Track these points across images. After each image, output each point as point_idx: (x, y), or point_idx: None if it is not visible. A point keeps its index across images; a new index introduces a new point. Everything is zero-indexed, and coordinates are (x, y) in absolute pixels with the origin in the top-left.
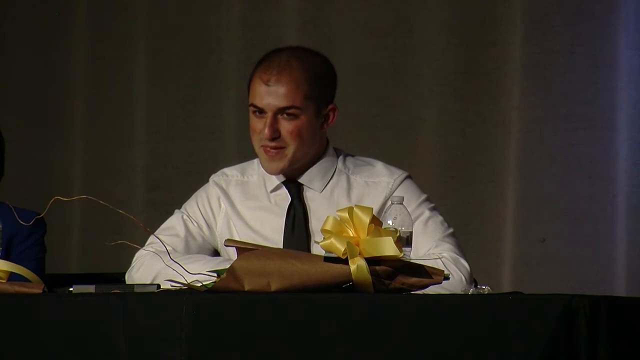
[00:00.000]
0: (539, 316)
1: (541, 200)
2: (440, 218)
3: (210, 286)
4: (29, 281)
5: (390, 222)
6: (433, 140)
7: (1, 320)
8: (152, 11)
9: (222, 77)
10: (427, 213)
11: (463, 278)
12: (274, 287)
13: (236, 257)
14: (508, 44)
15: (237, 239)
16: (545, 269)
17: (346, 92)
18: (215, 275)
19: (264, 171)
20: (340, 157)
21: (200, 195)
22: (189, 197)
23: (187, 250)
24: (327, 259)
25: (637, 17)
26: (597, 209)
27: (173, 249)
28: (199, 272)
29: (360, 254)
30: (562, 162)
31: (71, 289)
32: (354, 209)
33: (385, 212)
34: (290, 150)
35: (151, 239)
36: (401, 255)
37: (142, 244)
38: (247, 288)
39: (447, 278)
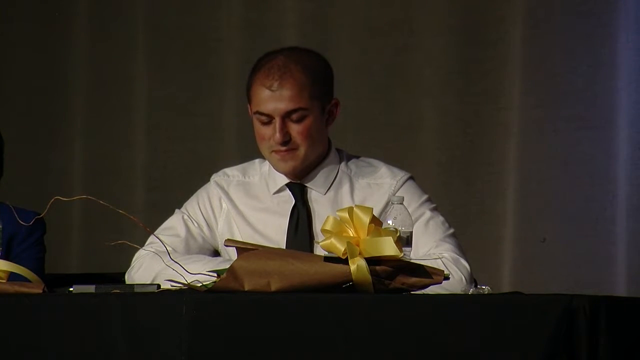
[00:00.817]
0: (539, 316)
1: (541, 200)
2: (441, 218)
3: (210, 286)
4: (29, 281)
5: (390, 222)
6: (433, 140)
7: (1, 320)
8: (152, 11)
9: (222, 77)
10: (428, 213)
11: (463, 278)
12: (274, 287)
13: (236, 257)
14: (508, 44)
15: (239, 239)
16: (545, 269)
17: (346, 92)
18: (215, 275)
19: (266, 172)
20: (343, 160)
21: (201, 195)
22: (189, 197)
23: (187, 250)
24: (327, 259)
25: (637, 17)
26: (597, 209)
27: (173, 249)
28: (199, 272)
29: (360, 254)
30: (562, 162)
31: (71, 289)
32: (354, 209)
33: (386, 212)
34: (302, 151)
35: (151, 238)
36: (401, 255)
37: (142, 244)
38: (247, 288)
39: (447, 278)
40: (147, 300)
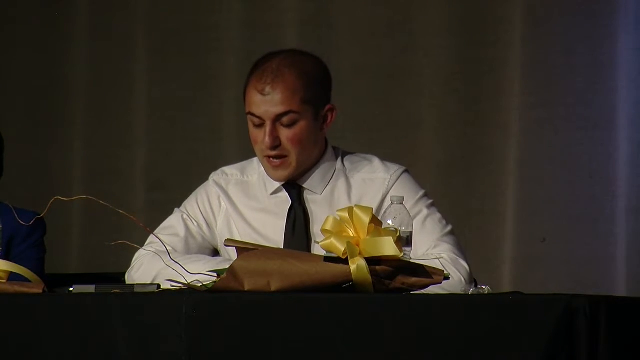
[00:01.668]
0: (539, 316)
1: (541, 200)
2: (438, 215)
3: (210, 286)
4: (29, 281)
5: (390, 222)
6: (433, 140)
7: (1, 320)
8: (152, 11)
9: (222, 77)
10: (425, 211)
11: (462, 279)
12: (274, 287)
13: (236, 257)
14: (508, 44)
15: (237, 238)
16: (545, 269)
17: (346, 92)
18: (215, 275)
19: (264, 172)
20: (339, 157)
21: (200, 194)
22: (188, 198)
23: (187, 249)
24: (327, 259)
25: (637, 17)
26: (597, 209)
27: (173, 248)
28: (199, 272)
29: (360, 254)
30: (562, 162)
31: (71, 289)
32: (354, 209)
33: (385, 212)
34: (293, 158)
35: (151, 238)
36: (401, 255)
37: (142, 244)
38: (247, 288)
39: (447, 278)
40: (147, 300)
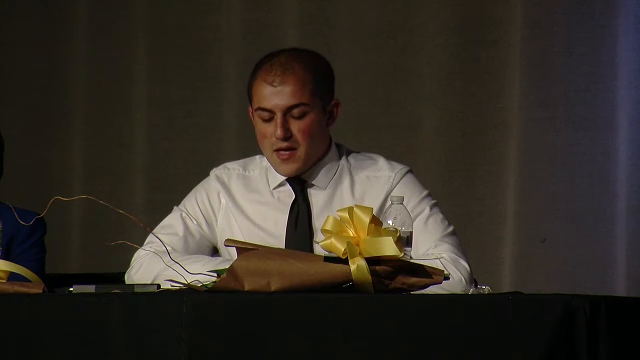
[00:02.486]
0: (539, 316)
1: (541, 200)
2: (440, 216)
3: (210, 286)
4: (29, 281)
5: (390, 222)
6: (433, 140)
7: (1, 320)
8: (152, 11)
9: (222, 77)
10: (427, 211)
11: (463, 279)
12: (274, 287)
13: (236, 257)
14: (508, 44)
15: (238, 232)
16: (545, 269)
17: (346, 92)
18: (215, 275)
19: (267, 167)
20: (343, 155)
21: (199, 192)
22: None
23: (186, 248)
24: (327, 259)
25: (637, 17)
26: (597, 209)
27: (172, 247)
28: (199, 272)
29: (360, 254)
30: (562, 162)
31: (71, 289)
32: (354, 208)
33: (386, 212)
34: (302, 151)
35: (150, 238)
36: (401, 255)
37: (142, 244)
38: (247, 288)
39: (447, 278)
40: (147, 300)
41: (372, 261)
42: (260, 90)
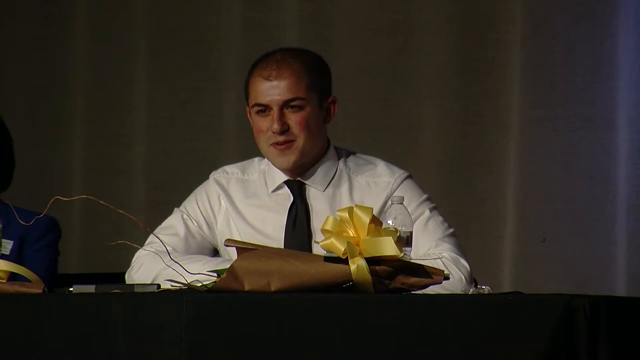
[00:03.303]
0: (539, 316)
1: (541, 200)
2: (440, 218)
3: (210, 286)
4: (29, 281)
5: (390, 222)
6: (433, 140)
7: (1, 320)
8: (152, 11)
9: (222, 77)
10: (427, 213)
11: (463, 278)
12: (274, 287)
13: (236, 257)
14: (508, 44)
15: (237, 236)
16: (545, 269)
17: (346, 92)
18: (215, 275)
19: (265, 170)
20: (342, 157)
21: (199, 194)
22: (188, 197)
23: (187, 249)
24: (327, 259)
25: (637, 17)
26: (597, 209)
27: (173, 248)
28: (199, 272)
29: (360, 254)
30: (562, 162)
31: (71, 289)
32: (354, 209)
33: (386, 212)
34: (300, 142)
35: (151, 238)
36: (401, 255)
37: (142, 244)
38: (247, 288)
39: (447, 278)
40: (147, 300)
41: (372, 261)
42: (256, 86)
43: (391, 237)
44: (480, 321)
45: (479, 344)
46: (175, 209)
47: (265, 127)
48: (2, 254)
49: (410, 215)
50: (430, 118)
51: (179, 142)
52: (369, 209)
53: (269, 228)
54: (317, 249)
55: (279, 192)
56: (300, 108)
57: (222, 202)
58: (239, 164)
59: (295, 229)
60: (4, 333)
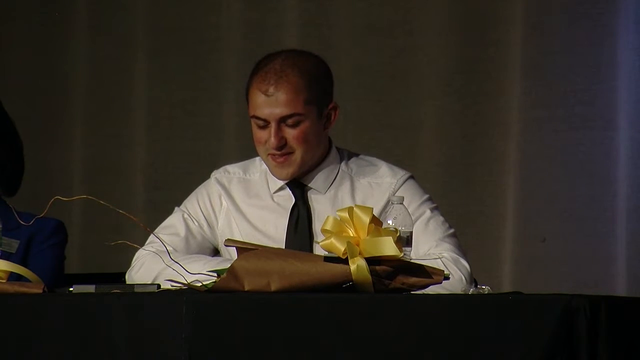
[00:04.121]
0: (539, 316)
1: (541, 200)
2: (441, 218)
3: (210, 286)
4: (29, 281)
5: (390, 222)
6: (433, 140)
7: (1, 320)
8: (152, 11)
9: (222, 77)
10: (428, 213)
11: (463, 278)
12: (274, 287)
13: (236, 257)
14: (508, 44)
15: (238, 236)
16: (545, 269)
17: (346, 92)
18: (215, 275)
19: (266, 170)
20: (344, 159)
21: (200, 193)
22: (189, 196)
23: (187, 248)
24: (327, 259)
25: (637, 17)
26: (597, 209)
27: (173, 248)
28: (199, 272)
29: (360, 253)
30: (562, 162)
31: (71, 289)
32: (354, 209)
33: (386, 212)
34: (298, 155)
35: (151, 238)
36: (401, 255)
37: (142, 244)
38: (247, 288)
39: (447, 278)
40: (147, 300)
41: (372, 261)
42: (254, 98)
43: (391, 237)
44: (480, 321)
45: (479, 344)
46: (176, 209)
47: (263, 138)
48: (9, 253)
49: (410, 215)
50: (430, 118)
51: (179, 142)
52: (369, 209)
53: (271, 229)
54: (318, 250)
55: (281, 193)
56: (297, 123)
57: (223, 202)
58: (241, 163)
59: (297, 231)
60: (4, 333)
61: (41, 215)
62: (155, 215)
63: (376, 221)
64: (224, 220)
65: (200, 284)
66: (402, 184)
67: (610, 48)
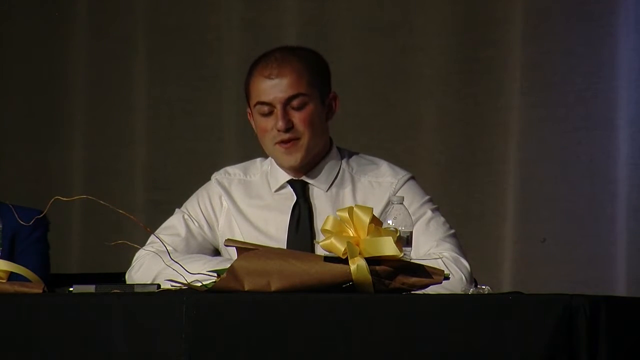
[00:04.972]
0: (539, 316)
1: (541, 200)
2: (442, 219)
3: (210, 286)
4: (29, 281)
5: (390, 222)
6: (433, 140)
7: (1, 320)
8: (152, 11)
9: (222, 77)
10: (429, 213)
11: (463, 278)
12: (274, 287)
13: (236, 257)
14: (508, 44)
15: (239, 237)
16: (545, 269)
17: (346, 92)
18: (215, 275)
19: (268, 171)
20: (345, 157)
21: (201, 194)
22: (189, 197)
23: (188, 249)
24: (327, 259)
25: (637, 17)
26: (597, 209)
27: (173, 248)
28: (199, 272)
29: (360, 253)
30: (562, 162)
31: (71, 289)
32: (354, 208)
33: (386, 212)
34: (305, 140)
35: (151, 238)
36: (401, 255)
37: (142, 244)
38: (247, 288)
39: (447, 278)
40: (147, 300)
41: (372, 261)
42: (258, 85)
43: (391, 237)
44: (480, 321)
45: (479, 344)
46: (177, 210)
47: (269, 126)
48: None
49: (410, 215)
50: (430, 118)
51: (179, 142)
52: (369, 209)
53: (272, 229)
54: (319, 249)
55: (282, 191)
56: (303, 105)
57: (224, 203)
58: (241, 164)
59: (298, 229)
60: (4, 333)
61: (41, 215)
62: (155, 215)
63: (376, 221)
64: (225, 221)
65: (200, 284)
66: (403, 185)
67: (610, 48)
